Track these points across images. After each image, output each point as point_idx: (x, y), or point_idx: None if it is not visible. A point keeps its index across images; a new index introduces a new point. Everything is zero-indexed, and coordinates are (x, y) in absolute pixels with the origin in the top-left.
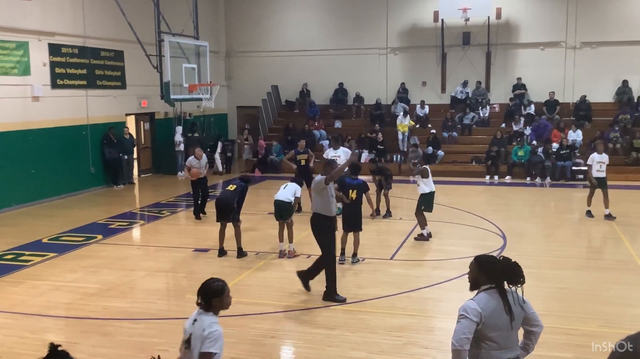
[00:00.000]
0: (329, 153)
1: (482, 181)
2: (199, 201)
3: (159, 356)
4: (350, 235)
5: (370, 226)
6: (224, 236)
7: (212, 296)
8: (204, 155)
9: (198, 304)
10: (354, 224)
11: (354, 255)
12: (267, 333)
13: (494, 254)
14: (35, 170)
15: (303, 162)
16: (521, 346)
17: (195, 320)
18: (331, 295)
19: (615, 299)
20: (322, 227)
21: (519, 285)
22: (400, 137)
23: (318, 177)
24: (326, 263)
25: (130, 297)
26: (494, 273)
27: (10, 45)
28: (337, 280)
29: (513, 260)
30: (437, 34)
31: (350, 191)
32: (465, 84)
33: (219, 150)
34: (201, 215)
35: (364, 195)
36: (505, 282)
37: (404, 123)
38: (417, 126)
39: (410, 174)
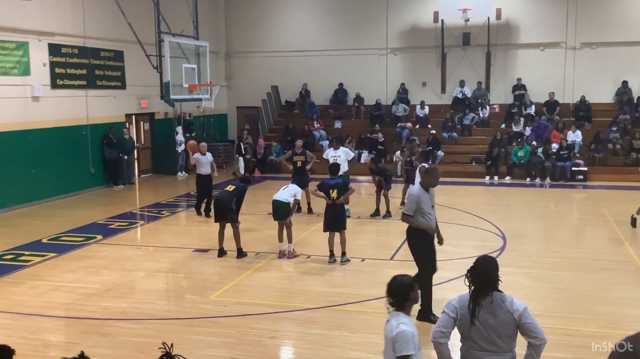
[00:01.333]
0: (329, 154)
1: (482, 182)
2: (201, 201)
3: (172, 344)
4: (338, 235)
5: (370, 226)
6: (223, 237)
7: (408, 290)
8: (209, 153)
9: (391, 304)
10: (337, 224)
11: (343, 254)
12: (267, 333)
13: (494, 254)
14: (35, 170)
15: (299, 164)
16: (525, 356)
17: (388, 321)
18: (426, 314)
19: (616, 300)
20: (416, 240)
21: (491, 289)
22: (399, 167)
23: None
24: (422, 280)
25: (130, 297)
26: (470, 276)
27: (10, 45)
28: (336, 279)
29: (482, 262)
30: (437, 34)
31: (331, 191)
32: (462, 84)
33: (242, 151)
34: (202, 212)
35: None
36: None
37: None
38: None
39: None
